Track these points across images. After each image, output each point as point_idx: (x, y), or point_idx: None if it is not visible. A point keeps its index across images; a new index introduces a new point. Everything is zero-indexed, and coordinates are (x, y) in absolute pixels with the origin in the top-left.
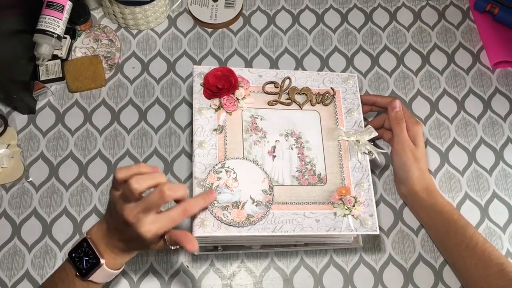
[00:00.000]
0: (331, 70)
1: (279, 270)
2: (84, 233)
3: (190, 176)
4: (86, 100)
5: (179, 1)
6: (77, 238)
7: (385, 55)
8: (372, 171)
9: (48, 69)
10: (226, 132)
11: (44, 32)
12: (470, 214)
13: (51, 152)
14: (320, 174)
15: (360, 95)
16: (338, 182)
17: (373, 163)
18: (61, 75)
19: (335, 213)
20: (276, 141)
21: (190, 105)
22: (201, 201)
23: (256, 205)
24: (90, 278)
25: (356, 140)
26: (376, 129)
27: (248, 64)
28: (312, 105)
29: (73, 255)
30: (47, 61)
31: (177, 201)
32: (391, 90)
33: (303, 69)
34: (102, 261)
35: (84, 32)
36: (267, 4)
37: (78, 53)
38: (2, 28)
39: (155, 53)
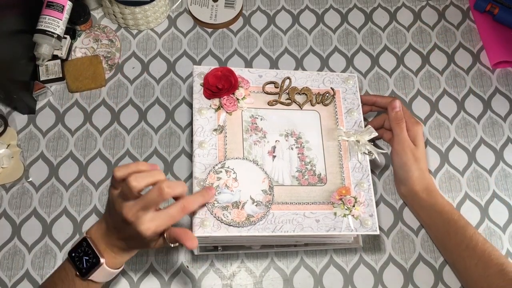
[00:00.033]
0: (331, 70)
1: (279, 270)
2: (83, 232)
3: (190, 176)
4: (86, 100)
5: (179, 1)
6: (77, 238)
7: (385, 55)
8: (372, 171)
9: (48, 69)
10: (226, 132)
11: (44, 32)
12: (470, 214)
13: (51, 152)
14: (320, 174)
15: (360, 95)
16: (338, 182)
17: (373, 163)
18: (61, 75)
19: (335, 213)
20: (276, 141)
21: (190, 105)
22: (200, 198)
23: (256, 205)
24: (90, 278)
25: (356, 140)
26: (376, 129)
27: (248, 64)
28: (312, 105)
29: (73, 254)
30: (47, 61)
31: (176, 198)
32: (391, 90)
33: (303, 69)
34: (102, 260)
35: (84, 32)
36: (267, 4)
37: (78, 53)
38: (2, 28)
39: (155, 53)
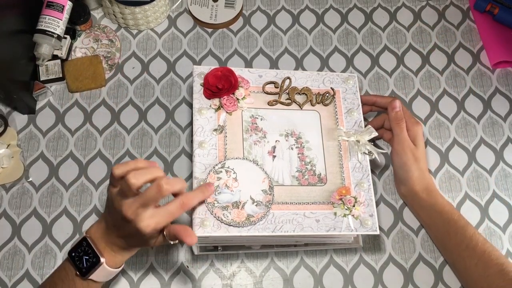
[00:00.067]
0: (331, 70)
1: (279, 270)
2: (83, 232)
3: (190, 176)
4: (86, 100)
5: (179, 1)
6: (77, 238)
7: (385, 55)
8: (372, 171)
9: (48, 69)
10: (226, 132)
11: (44, 32)
12: (470, 214)
13: (51, 152)
14: (320, 174)
15: (360, 95)
16: (338, 182)
17: (373, 163)
18: (61, 75)
19: (335, 213)
20: (276, 141)
21: (190, 105)
22: (199, 194)
23: (256, 205)
24: (90, 277)
25: (356, 140)
26: (376, 129)
27: (248, 64)
28: (312, 105)
29: (73, 254)
30: (47, 61)
31: (175, 195)
32: (391, 90)
33: (303, 69)
34: (102, 259)
35: (84, 32)
36: (267, 4)
37: (78, 53)
38: (2, 28)
39: (155, 53)
